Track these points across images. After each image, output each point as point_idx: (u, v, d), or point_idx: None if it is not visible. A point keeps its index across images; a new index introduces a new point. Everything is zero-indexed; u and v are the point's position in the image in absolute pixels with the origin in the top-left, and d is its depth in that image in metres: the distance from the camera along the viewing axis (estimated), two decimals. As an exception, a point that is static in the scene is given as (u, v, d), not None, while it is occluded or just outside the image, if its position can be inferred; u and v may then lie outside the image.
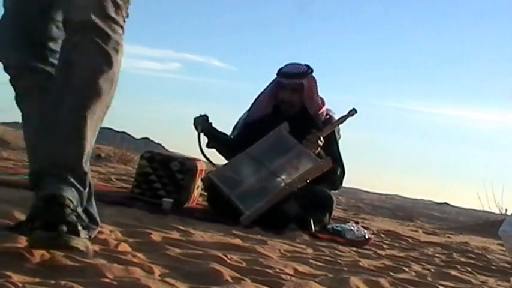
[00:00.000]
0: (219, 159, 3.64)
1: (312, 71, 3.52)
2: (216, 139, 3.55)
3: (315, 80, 3.52)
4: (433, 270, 2.59)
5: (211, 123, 3.54)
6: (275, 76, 3.57)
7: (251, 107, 3.64)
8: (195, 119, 3.53)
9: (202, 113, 3.56)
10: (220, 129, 3.61)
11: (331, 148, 3.46)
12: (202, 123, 3.51)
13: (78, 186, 1.59)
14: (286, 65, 3.57)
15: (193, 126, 3.55)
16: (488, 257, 3.59)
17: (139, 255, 1.80)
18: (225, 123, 3.65)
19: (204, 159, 3.56)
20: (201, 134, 3.52)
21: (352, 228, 3.37)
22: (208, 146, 3.54)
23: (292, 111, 3.55)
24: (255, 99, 3.63)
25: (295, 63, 3.56)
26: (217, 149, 3.57)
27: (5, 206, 2.26)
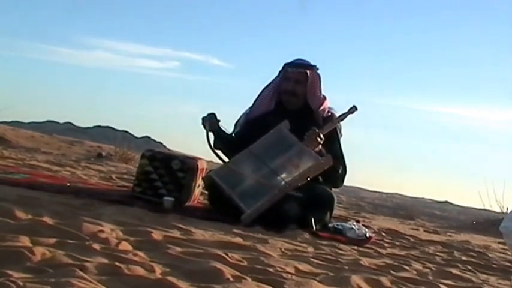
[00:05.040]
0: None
1: (318, 68, 3.56)
2: (220, 139, 3.52)
3: (319, 76, 3.55)
4: (434, 268, 2.59)
5: (219, 121, 3.52)
6: (281, 68, 3.60)
7: (254, 102, 3.64)
8: (203, 118, 3.51)
9: (210, 112, 3.54)
10: (223, 126, 3.59)
11: (334, 146, 3.46)
12: (210, 122, 3.49)
13: None
14: (294, 59, 3.61)
15: (201, 125, 3.52)
16: (489, 255, 3.59)
17: (140, 253, 1.80)
18: (224, 121, 3.63)
19: (215, 158, 3.54)
20: (210, 133, 3.49)
21: (353, 226, 3.37)
22: (215, 146, 3.52)
23: (294, 102, 3.55)
24: (259, 94, 3.62)
25: (303, 59, 3.61)
26: (221, 149, 3.55)
27: (6, 204, 2.27)
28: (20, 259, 1.48)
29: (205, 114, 3.51)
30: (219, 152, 3.51)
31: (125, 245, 1.89)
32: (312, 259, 2.24)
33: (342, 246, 2.86)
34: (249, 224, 2.95)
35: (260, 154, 3.34)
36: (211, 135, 3.49)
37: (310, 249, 2.58)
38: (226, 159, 3.50)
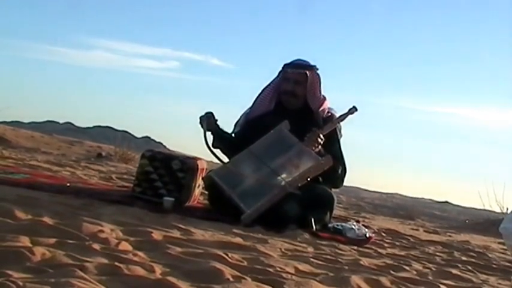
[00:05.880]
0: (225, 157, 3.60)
1: (318, 68, 3.55)
2: (219, 138, 3.52)
3: (319, 77, 3.54)
4: (433, 268, 2.59)
5: (216, 120, 3.52)
6: (280, 69, 3.60)
7: (254, 102, 3.63)
8: (201, 117, 3.50)
9: (208, 111, 3.53)
10: (221, 126, 3.59)
11: (334, 147, 3.46)
12: (208, 122, 3.48)
13: None
14: (293, 59, 3.60)
15: (199, 125, 3.51)
16: (489, 255, 3.59)
17: (140, 254, 1.80)
18: (224, 121, 3.63)
19: (214, 158, 3.54)
20: (207, 132, 3.48)
21: (353, 227, 3.37)
22: (213, 145, 3.51)
23: (294, 103, 3.55)
24: (259, 94, 3.62)
25: (302, 59, 3.60)
26: (220, 149, 3.55)
27: (6, 204, 2.27)
28: (20, 259, 1.48)
29: (202, 114, 3.50)
30: (216, 151, 3.51)
31: (125, 245, 1.89)
32: (312, 259, 2.24)
33: (342, 246, 2.86)
34: (249, 224, 2.95)
35: (260, 154, 3.34)
36: (209, 135, 3.49)
37: (310, 249, 2.58)
38: (224, 159, 3.50)
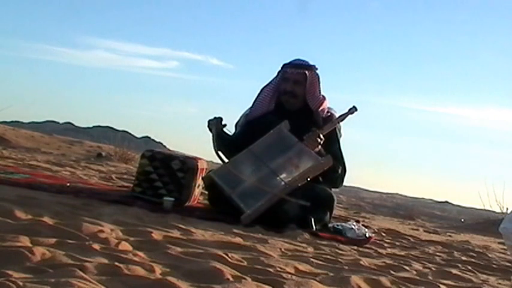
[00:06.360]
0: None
1: (317, 68, 3.55)
2: (222, 140, 3.50)
3: (318, 76, 3.54)
4: (433, 268, 2.59)
5: (225, 125, 3.52)
6: (279, 69, 3.59)
7: (254, 102, 3.63)
8: (209, 121, 3.50)
9: (217, 116, 3.53)
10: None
11: (333, 146, 3.46)
12: (216, 126, 3.48)
13: None
14: (292, 59, 3.60)
15: (207, 128, 3.50)
16: (489, 255, 3.59)
17: (140, 254, 1.80)
18: (224, 121, 3.61)
19: (215, 158, 3.53)
20: (215, 136, 3.47)
21: (353, 227, 3.37)
22: (218, 148, 3.50)
23: (294, 103, 3.55)
24: (258, 94, 3.62)
25: (301, 59, 3.60)
26: (222, 151, 3.54)
27: (6, 204, 2.27)
28: (20, 259, 1.48)
29: (211, 117, 3.50)
30: (222, 155, 3.49)
31: (125, 245, 1.89)
32: (311, 259, 2.24)
33: (342, 246, 2.86)
34: (249, 224, 2.95)
35: (260, 154, 3.34)
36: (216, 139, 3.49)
37: (310, 249, 2.58)
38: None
